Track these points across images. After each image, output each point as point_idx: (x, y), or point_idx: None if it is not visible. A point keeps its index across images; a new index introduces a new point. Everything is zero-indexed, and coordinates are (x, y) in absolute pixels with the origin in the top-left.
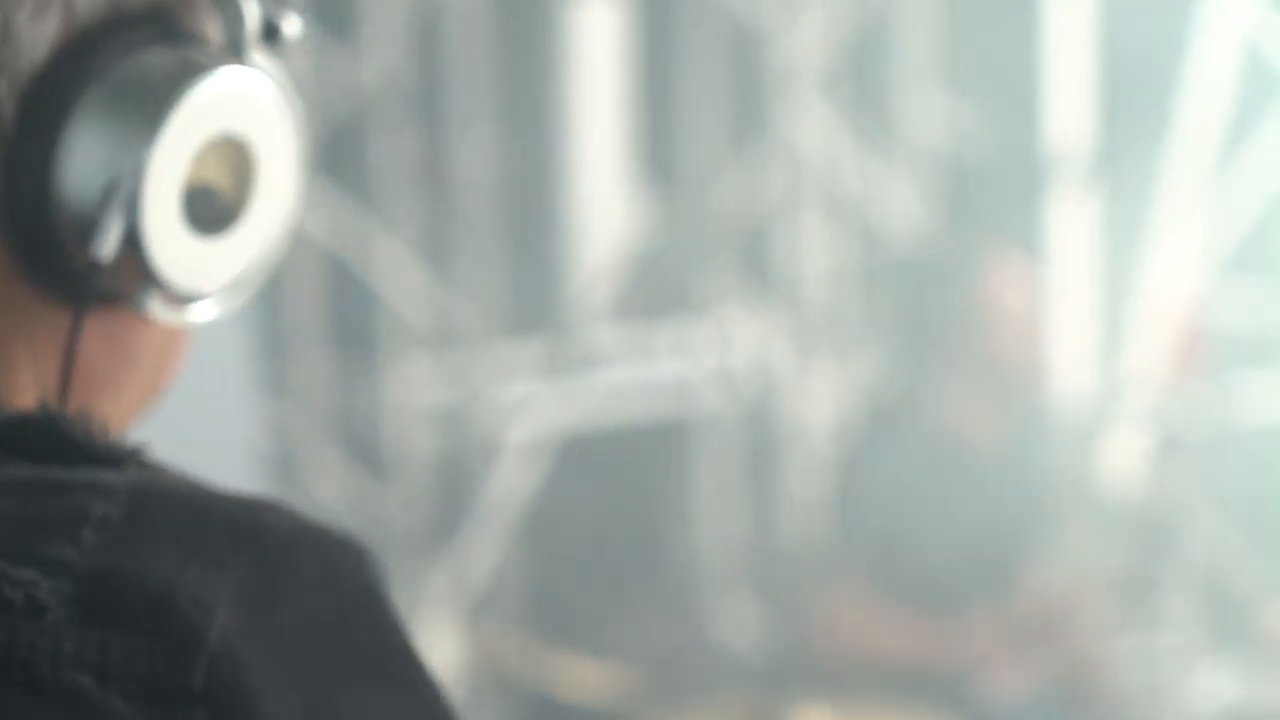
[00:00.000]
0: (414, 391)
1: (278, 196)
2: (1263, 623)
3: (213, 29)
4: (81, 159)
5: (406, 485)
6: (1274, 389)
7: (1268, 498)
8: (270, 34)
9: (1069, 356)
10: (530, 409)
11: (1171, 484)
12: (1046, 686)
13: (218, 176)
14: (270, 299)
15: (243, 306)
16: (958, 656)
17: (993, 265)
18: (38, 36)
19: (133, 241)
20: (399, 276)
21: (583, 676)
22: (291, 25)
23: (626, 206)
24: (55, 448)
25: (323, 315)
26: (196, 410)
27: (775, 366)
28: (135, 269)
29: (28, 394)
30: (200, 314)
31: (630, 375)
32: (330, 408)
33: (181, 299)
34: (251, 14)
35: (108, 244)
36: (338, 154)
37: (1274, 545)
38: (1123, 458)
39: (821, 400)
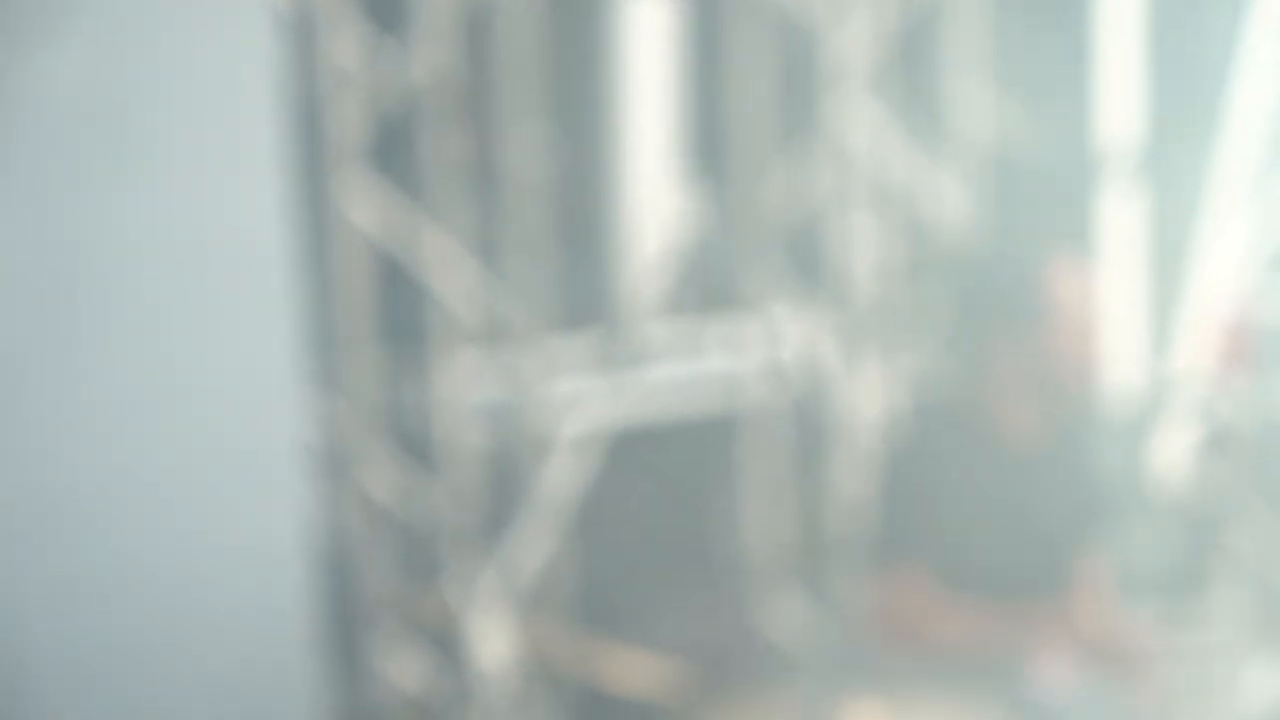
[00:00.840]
0: (464, 387)
1: None
2: None
3: None
4: None
5: (457, 480)
6: None
7: None
8: None
9: (1119, 352)
10: (581, 404)
11: (1221, 479)
12: (1097, 681)
13: None
14: (321, 294)
15: (292, 302)
16: (1009, 650)
17: (1048, 260)
18: None
19: None
20: (449, 272)
21: (633, 670)
22: None
23: (676, 202)
24: None
25: (373, 310)
26: (248, 406)
27: (823, 361)
28: None
29: None
30: None
31: (680, 370)
32: (380, 403)
33: None
34: None
35: None
36: (388, 149)
37: None
38: (1173, 453)
39: (869, 395)
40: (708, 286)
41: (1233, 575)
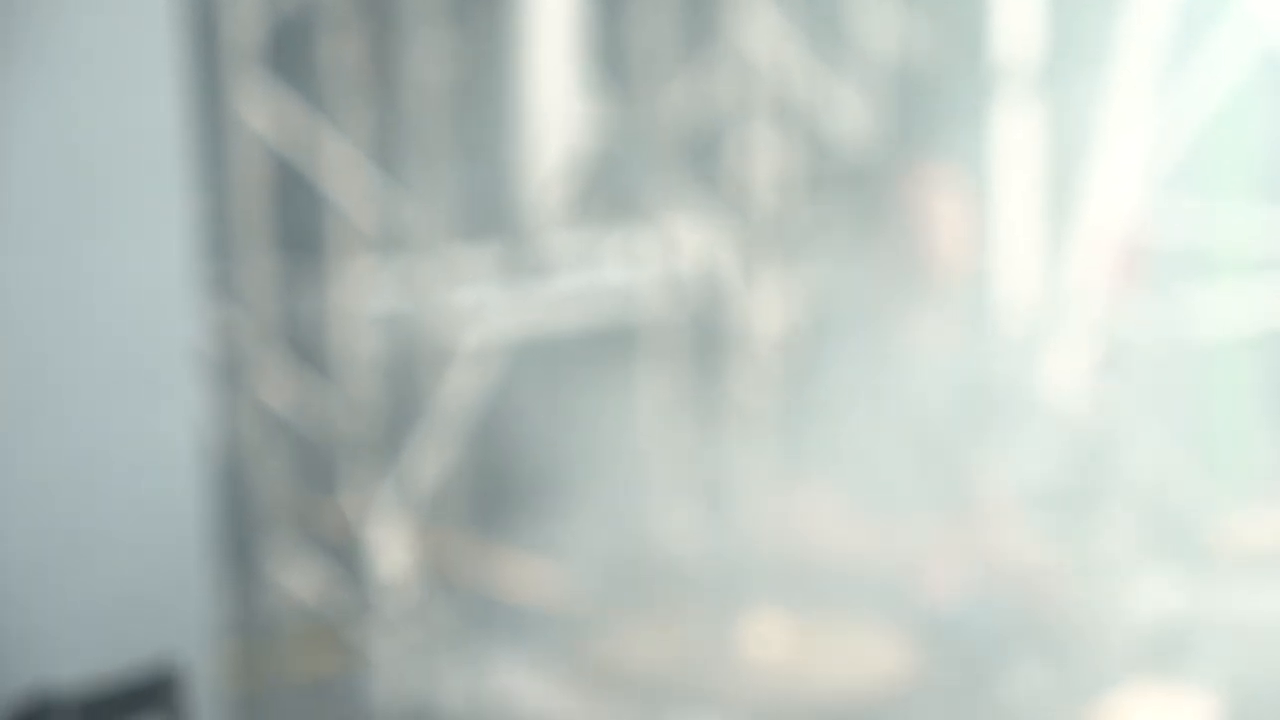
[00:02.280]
0: (362, 296)
1: None
2: (1204, 534)
3: None
4: None
5: (354, 389)
6: (1213, 303)
7: (1207, 410)
8: None
9: (1012, 268)
10: (481, 314)
11: (1113, 396)
12: (989, 592)
13: None
14: (217, 200)
15: (187, 208)
16: (904, 561)
17: (932, 174)
18: None
19: None
20: (348, 179)
21: (531, 579)
22: None
23: (578, 111)
24: None
25: (270, 217)
26: (142, 313)
27: (723, 273)
28: None
29: None
30: None
31: (580, 281)
32: (277, 311)
33: None
34: None
35: None
36: (287, 52)
37: (1213, 457)
38: (1066, 369)
39: (769, 307)
40: (609, 197)
41: (1124, 490)
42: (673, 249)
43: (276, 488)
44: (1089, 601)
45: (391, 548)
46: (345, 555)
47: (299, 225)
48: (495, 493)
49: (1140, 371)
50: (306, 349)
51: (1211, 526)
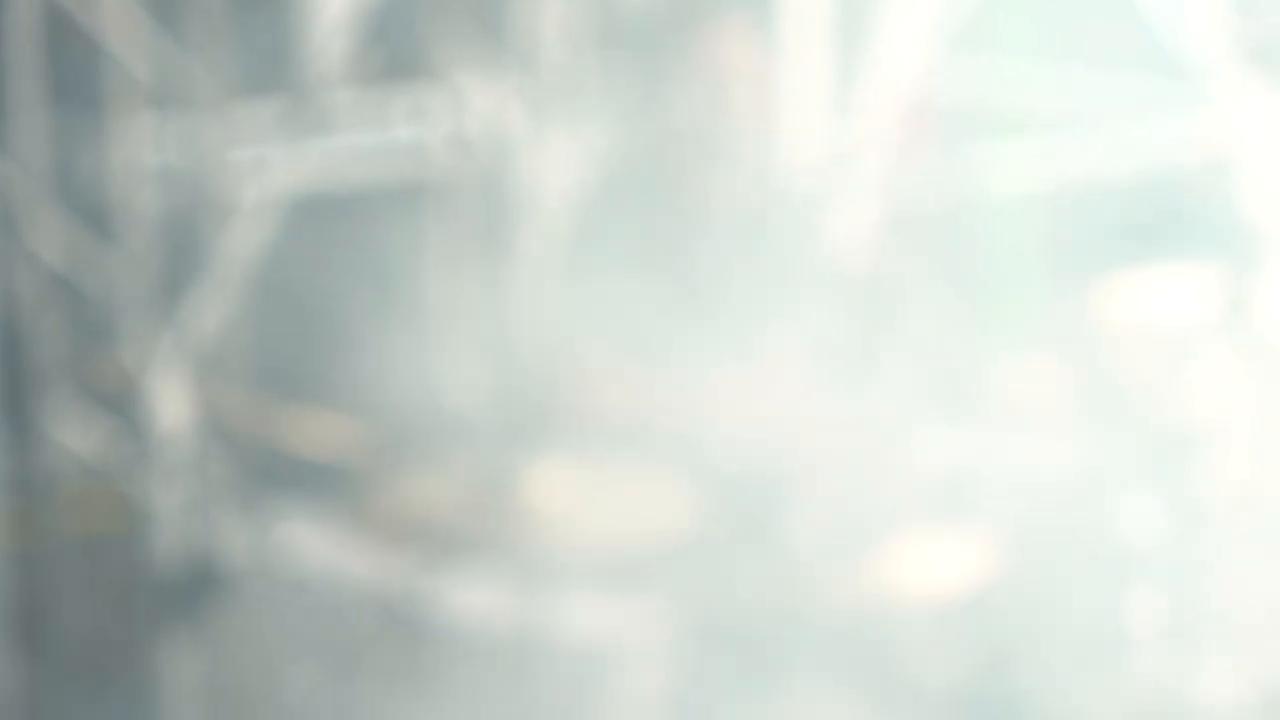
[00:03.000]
0: (141, 151)
1: None
2: (983, 387)
3: None
4: None
5: (133, 245)
6: (999, 161)
7: (991, 267)
8: None
9: (800, 125)
10: (263, 171)
11: (898, 252)
12: (772, 445)
13: None
14: None
15: None
16: (688, 415)
17: (721, 30)
18: None
19: None
20: (126, 32)
21: (314, 432)
22: None
23: None
24: None
25: (45, 70)
26: None
27: (510, 131)
28: None
29: None
30: None
31: (365, 139)
32: (53, 166)
33: None
34: None
35: None
36: None
37: (996, 315)
38: (851, 226)
39: (557, 165)
40: (393, 53)
41: (907, 347)
42: (460, 106)
43: (54, 344)
44: (869, 453)
45: (172, 402)
46: (125, 410)
47: (76, 79)
48: (278, 347)
49: (925, 228)
50: (85, 204)
51: (991, 380)
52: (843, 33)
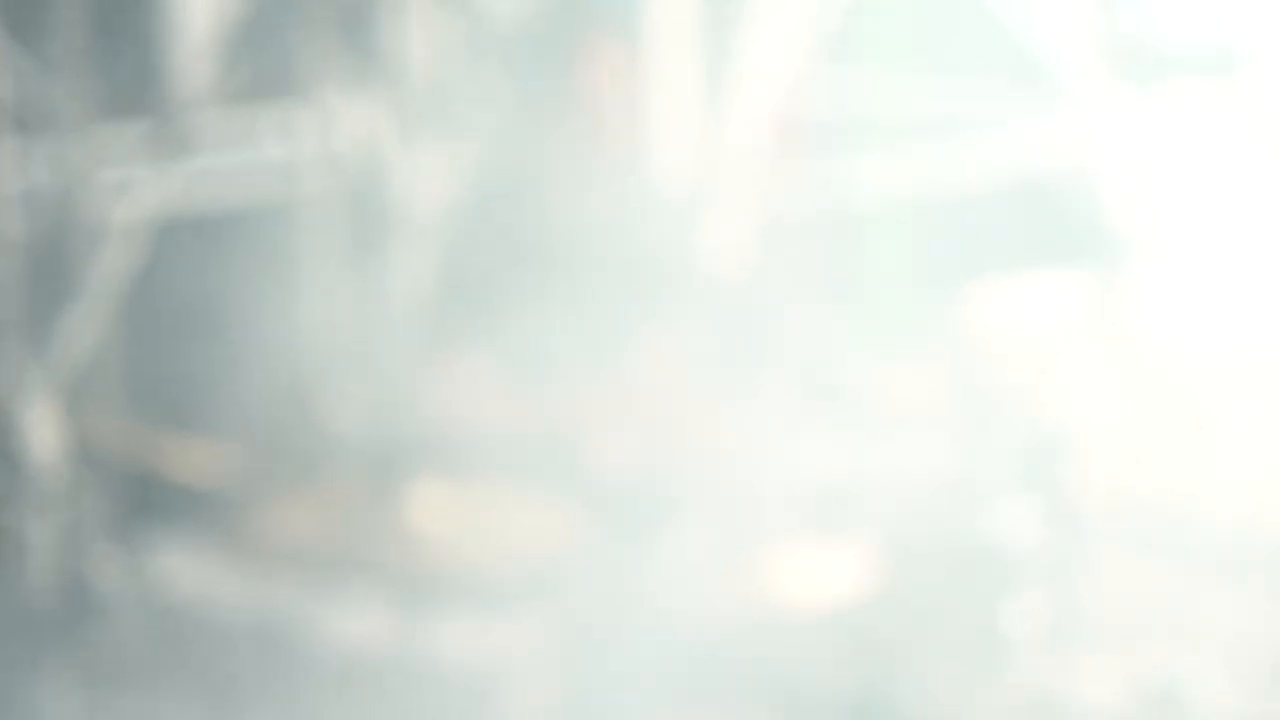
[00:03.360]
0: (6, 175)
1: None
2: (857, 394)
3: None
4: None
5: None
6: (869, 170)
7: (865, 275)
8: None
9: (673, 137)
10: (131, 192)
11: (771, 262)
12: (651, 456)
13: None
14: None
15: None
16: (566, 427)
17: (594, 45)
18: None
19: None
20: None
21: (189, 458)
22: None
23: None
24: None
25: None
26: None
27: (380, 148)
28: None
29: None
30: None
31: (233, 158)
32: None
33: None
34: None
35: None
36: None
37: (868, 323)
38: (725, 237)
39: (428, 182)
40: (260, 72)
41: (781, 354)
42: (328, 124)
43: None
44: (749, 461)
45: (43, 428)
46: None
47: None
48: (151, 371)
49: (798, 238)
50: None
51: (865, 387)
52: (712, 46)
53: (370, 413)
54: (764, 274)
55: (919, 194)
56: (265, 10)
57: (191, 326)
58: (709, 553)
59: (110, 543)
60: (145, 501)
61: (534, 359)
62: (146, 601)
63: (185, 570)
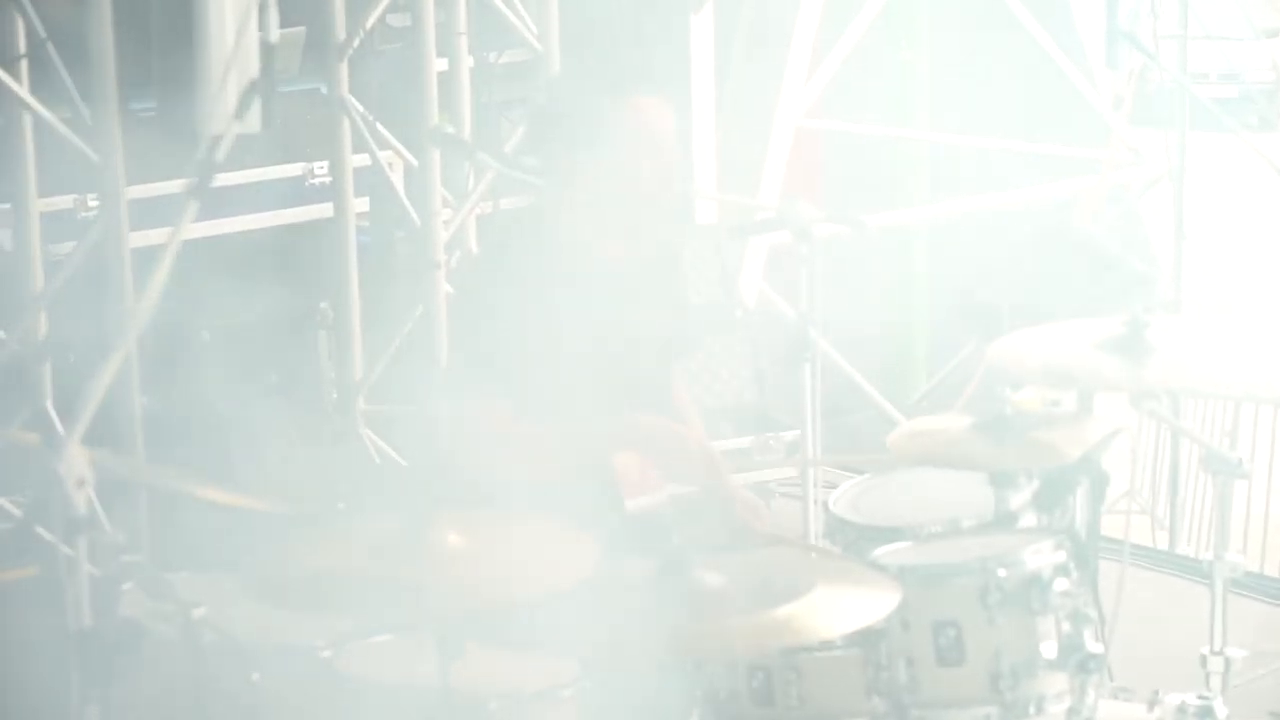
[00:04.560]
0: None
1: None
2: None
3: None
4: None
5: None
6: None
7: None
8: None
9: (705, 179)
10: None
11: (797, 303)
12: (687, 497)
13: None
14: None
15: None
16: (600, 469)
17: (627, 94)
18: None
19: None
20: None
21: (216, 490)
22: None
23: None
24: None
25: None
26: None
27: (398, 178)
28: None
29: None
30: None
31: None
32: None
33: None
34: None
35: None
36: None
37: None
38: (754, 277)
39: (449, 215)
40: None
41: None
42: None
43: None
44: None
45: (77, 456)
46: (35, 462)
47: None
48: (171, 405)
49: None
50: None
51: None
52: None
53: (396, 443)
54: (791, 315)
55: None
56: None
57: (209, 352)
58: (729, 583)
59: (146, 571)
60: (179, 530)
61: (553, 392)
62: (181, 630)
63: (219, 599)
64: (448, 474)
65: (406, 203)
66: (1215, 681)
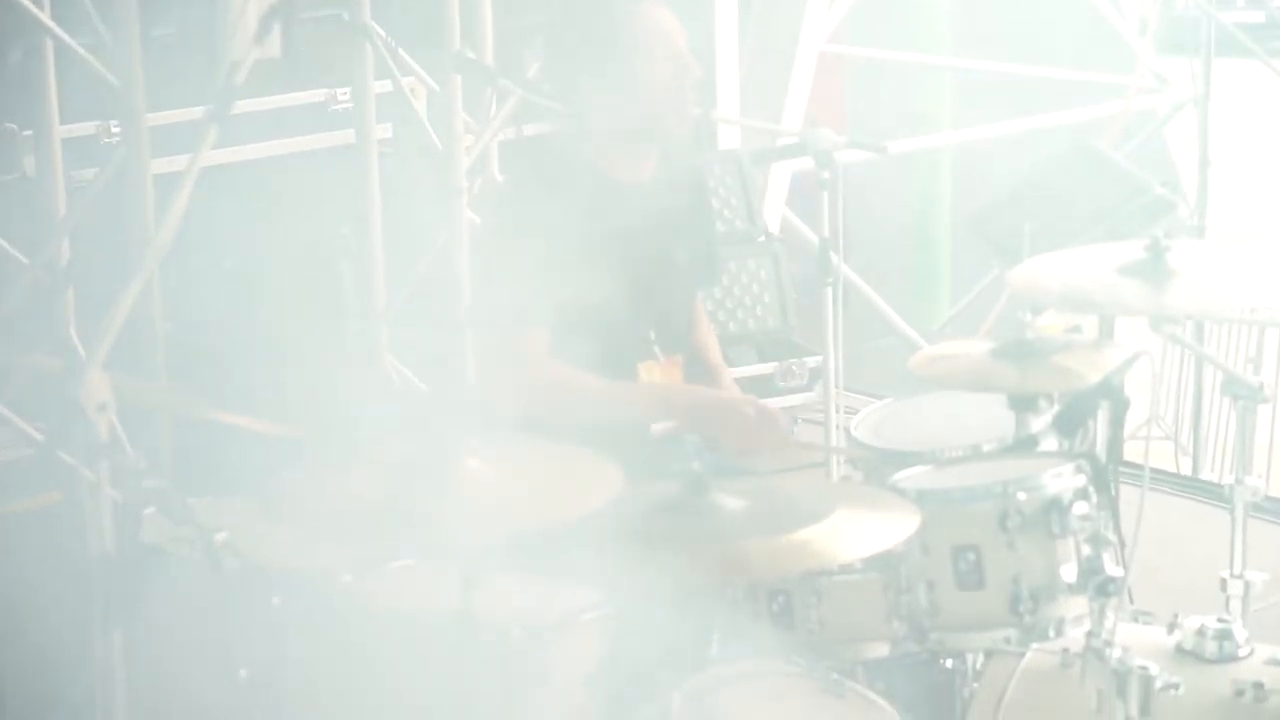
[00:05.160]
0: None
1: None
2: None
3: None
4: None
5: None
6: None
7: None
8: None
9: (729, 101)
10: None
11: (821, 223)
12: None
13: None
14: None
15: None
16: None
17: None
18: None
19: None
20: None
21: (237, 416)
22: None
23: None
24: None
25: None
26: None
27: (424, 102)
28: None
29: None
30: None
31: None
32: None
33: None
34: None
35: None
36: None
37: None
38: (777, 199)
39: (474, 138)
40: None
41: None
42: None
43: None
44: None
45: (97, 381)
46: (54, 390)
47: None
48: (198, 325)
49: (841, 199)
50: None
51: None
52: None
53: (421, 368)
54: (812, 235)
55: None
56: None
57: (237, 282)
58: (759, 515)
59: (166, 496)
60: (198, 457)
61: (584, 319)
62: (201, 556)
63: (240, 525)
64: (472, 405)
65: (429, 128)
66: (1235, 605)
